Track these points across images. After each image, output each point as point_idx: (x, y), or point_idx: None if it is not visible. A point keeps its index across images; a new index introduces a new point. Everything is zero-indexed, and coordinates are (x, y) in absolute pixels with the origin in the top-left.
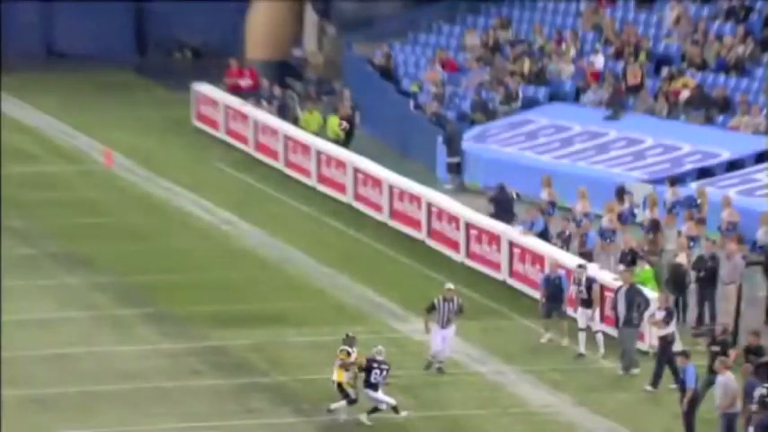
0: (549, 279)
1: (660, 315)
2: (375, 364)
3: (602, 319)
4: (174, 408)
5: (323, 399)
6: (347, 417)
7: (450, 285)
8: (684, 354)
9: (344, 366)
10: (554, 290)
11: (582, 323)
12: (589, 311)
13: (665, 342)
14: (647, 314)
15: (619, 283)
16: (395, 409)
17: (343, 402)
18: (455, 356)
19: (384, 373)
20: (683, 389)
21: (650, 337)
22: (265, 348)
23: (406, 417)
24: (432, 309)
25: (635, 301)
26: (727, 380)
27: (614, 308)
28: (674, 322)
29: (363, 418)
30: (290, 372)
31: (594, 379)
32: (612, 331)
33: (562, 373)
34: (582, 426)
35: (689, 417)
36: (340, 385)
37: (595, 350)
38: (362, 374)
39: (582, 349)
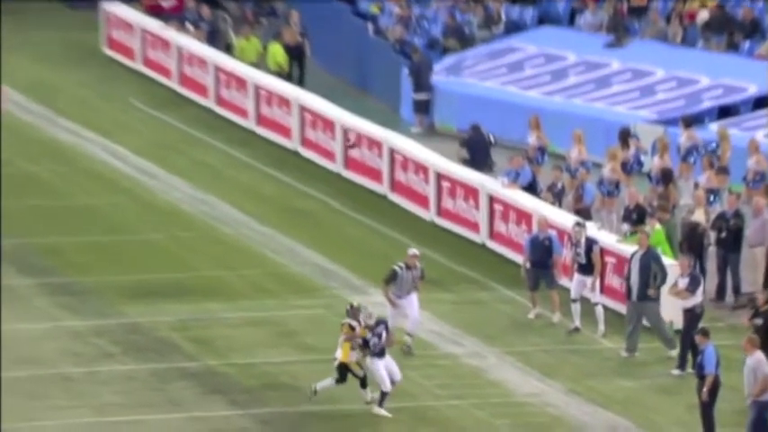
0: (535, 240)
1: (683, 283)
2: (369, 333)
3: (603, 289)
4: (81, 398)
5: (262, 387)
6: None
7: (415, 251)
8: (703, 332)
9: (351, 342)
10: (542, 253)
11: (576, 293)
12: (587, 279)
13: (692, 316)
14: (666, 284)
15: (624, 245)
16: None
17: (331, 381)
18: (425, 336)
19: (383, 334)
20: (700, 374)
21: (673, 310)
22: (192, 326)
23: (372, 399)
24: (392, 278)
25: (652, 269)
26: (758, 361)
27: (627, 277)
28: (700, 291)
29: (381, 411)
30: (223, 355)
31: (592, 363)
32: (614, 305)
33: (553, 356)
34: (575, 419)
35: (708, 408)
36: (343, 366)
37: (594, 327)
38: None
39: (576, 322)
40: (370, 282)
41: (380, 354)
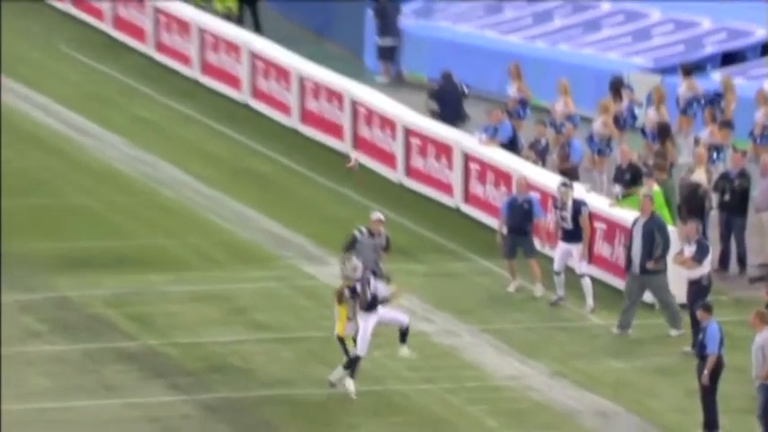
0: (514, 203)
1: (690, 251)
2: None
3: (591, 258)
4: (4, 382)
5: (208, 369)
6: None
7: (379, 215)
8: (705, 307)
9: (346, 309)
10: (520, 218)
11: (560, 264)
12: (572, 248)
13: (698, 288)
14: (670, 254)
15: (616, 210)
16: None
17: (344, 370)
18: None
19: (370, 279)
20: (701, 354)
21: (675, 282)
22: (130, 302)
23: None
24: (351, 245)
25: (656, 238)
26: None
27: (628, 247)
28: (708, 260)
29: (349, 383)
30: (164, 334)
31: (579, 341)
32: (604, 276)
33: (535, 334)
34: (560, 404)
35: (709, 392)
36: (340, 340)
37: (581, 302)
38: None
39: (560, 291)
40: (330, 251)
41: (372, 306)
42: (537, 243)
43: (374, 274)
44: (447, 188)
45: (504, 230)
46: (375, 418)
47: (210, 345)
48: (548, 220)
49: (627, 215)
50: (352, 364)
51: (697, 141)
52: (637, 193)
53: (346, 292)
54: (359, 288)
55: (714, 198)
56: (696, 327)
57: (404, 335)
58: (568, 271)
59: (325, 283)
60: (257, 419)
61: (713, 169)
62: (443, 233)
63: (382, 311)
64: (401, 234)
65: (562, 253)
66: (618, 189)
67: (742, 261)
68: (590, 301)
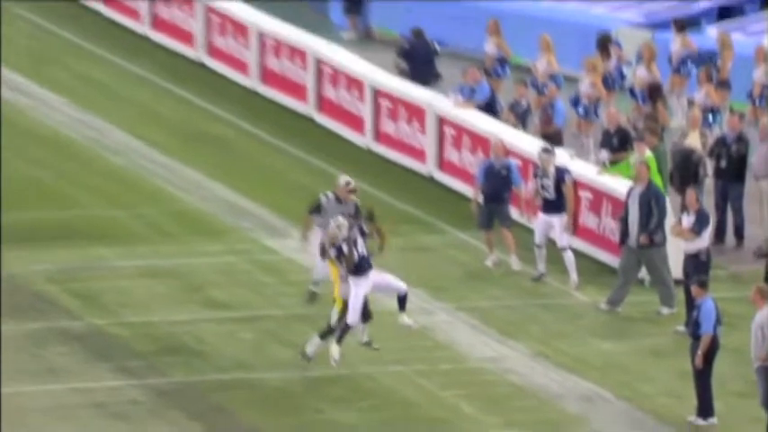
0: (491, 169)
1: (688, 221)
2: (341, 244)
3: (575, 230)
4: None
5: (160, 351)
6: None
7: (349, 180)
8: (700, 282)
9: (336, 267)
10: (497, 185)
11: (541, 236)
12: (553, 219)
13: (697, 263)
14: (667, 224)
15: (604, 178)
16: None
17: (362, 328)
18: None
19: (357, 238)
20: (695, 334)
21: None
22: (75, 278)
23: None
24: (316, 210)
25: (652, 209)
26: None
27: (623, 219)
28: (708, 232)
29: (334, 349)
30: (113, 313)
31: (563, 320)
32: (590, 249)
33: (515, 312)
34: (542, 388)
35: (703, 374)
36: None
37: (564, 277)
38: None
39: (541, 267)
40: (293, 222)
41: (361, 270)
42: (516, 214)
43: (362, 233)
44: (419, 154)
45: (480, 199)
46: (341, 403)
47: (162, 324)
48: (528, 188)
49: (615, 183)
50: (342, 333)
51: (691, 103)
52: (626, 160)
53: (331, 251)
54: (345, 248)
55: (709, 165)
56: (691, 304)
57: (402, 302)
58: (551, 244)
59: (288, 257)
60: (213, 405)
61: (708, 133)
62: (415, 203)
63: (375, 276)
64: (370, 204)
65: (543, 225)
66: (605, 155)
67: (739, 233)
68: (574, 276)
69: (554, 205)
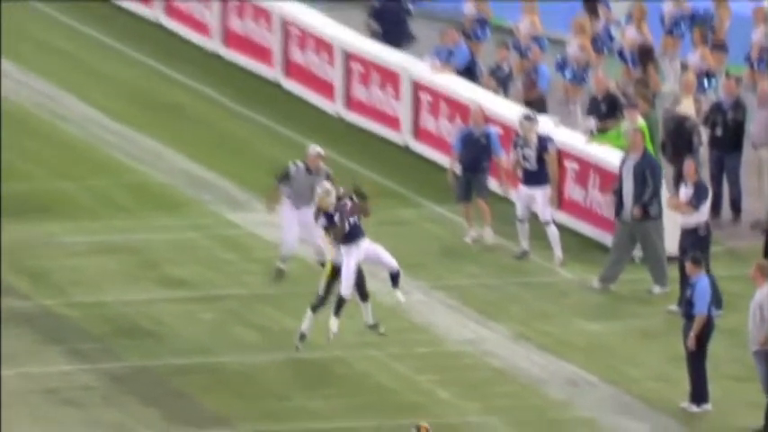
0: (469, 137)
1: (687, 194)
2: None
3: (560, 203)
4: None
5: (114, 333)
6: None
7: (319, 149)
8: (694, 259)
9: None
10: (476, 154)
11: (523, 210)
12: (536, 192)
13: (695, 239)
14: (664, 197)
15: (592, 147)
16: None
17: (365, 307)
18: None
19: (347, 206)
20: (688, 314)
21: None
22: (23, 255)
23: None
24: (285, 179)
25: (647, 180)
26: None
27: (618, 191)
28: (707, 205)
29: (333, 321)
30: (63, 292)
31: (547, 299)
32: (576, 224)
33: (496, 291)
34: (524, 372)
35: (697, 357)
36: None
37: (548, 254)
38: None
39: (524, 244)
40: (257, 194)
41: (351, 238)
42: (496, 187)
43: (352, 198)
44: (393, 122)
45: (458, 169)
46: (309, 390)
47: (117, 305)
48: (509, 158)
49: (603, 154)
50: (338, 306)
51: (684, 66)
52: (616, 128)
53: (320, 220)
54: (336, 218)
55: (704, 133)
56: (686, 283)
57: (395, 279)
58: (534, 219)
59: (251, 231)
60: (170, 391)
61: (703, 99)
62: (389, 174)
63: (367, 246)
64: (340, 175)
65: (525, 198)
66: (592, 123)
67: (736, 206)
68: (558, 252)
69: (536, 177)
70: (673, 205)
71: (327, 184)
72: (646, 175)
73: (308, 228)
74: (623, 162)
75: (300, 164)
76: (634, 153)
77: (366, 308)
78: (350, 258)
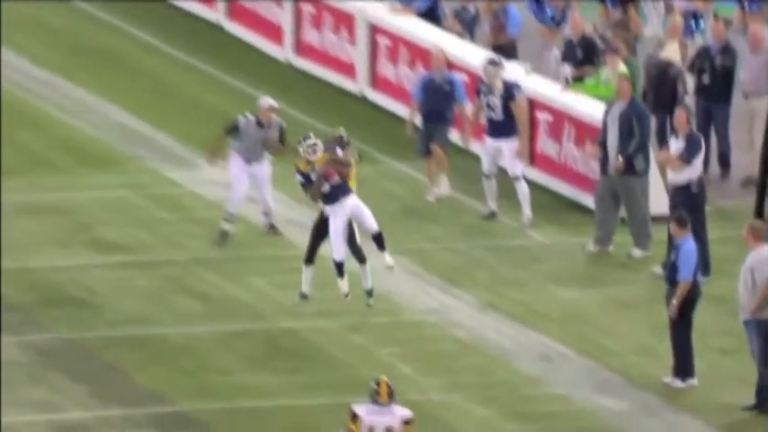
0: (430, 84)
1: (677, 147)
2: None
3: (533, 158)
4: None
5: (42, 303)
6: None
7: (271, 101)
8: (679, 220)
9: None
10: (438, 102)
11: (489, 165)
12: (502, 144)
13: (686, 197)
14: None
15: (566, 97)
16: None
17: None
18: (279, 229)
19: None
20: (672, 279)
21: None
22: None
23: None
24: (233, 130)
25: (633, 130)
26: (762, 260)
27: (602, 142)
28: (700, 160)
29: (341, 282)
30: None
31: (517, 265)
32: (549, 181)
33: (461, 255)
34: (492, 344)
35: (680, 327)
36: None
37: (517, 214)
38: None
39: (491, 204)
40: (199, 150)
41: (333, 198)
42: (460, 142)
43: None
44: (348, 69)
45: (418, 120)
46: (254, 363)
47: (44, 271)
48: (473, 108)
49: (579, 104)
50: (338, 270)
51: (669, 8)
52: (596, 75)
53: (297, 176)
54: (314, 178)
55: (690, 81)
56: (669, 244)
57: (378, 241)
58: (502, 175)
59: (192, 190)
60: (103, 365)
61: (689, 43)
62: (344, 126)
63: (352, 204)
64: (291, 128)
65: (491, 151)
66: (567, 70)
67: (725, 161)
68: (527, 210)
69: (502, 127)
70: (662, 160)
71: (314, 140)
72: (632, 124)
73: (259, 185)
74: (608, 111)
75: (251, 116)
76: (620, 101)
77: (364, 270)
78: (335, 219)
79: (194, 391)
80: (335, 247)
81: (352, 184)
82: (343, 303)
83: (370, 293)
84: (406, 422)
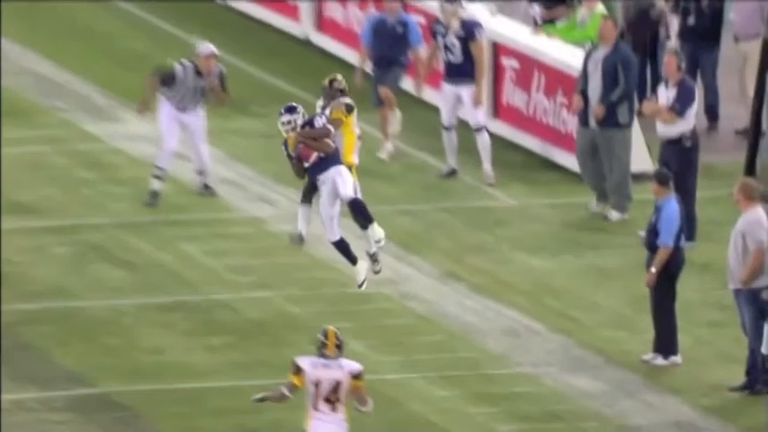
0: (382, 25)
1: (667, 97)
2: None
3: (498, 110)
4: None
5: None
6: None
7: (212, 48)
8: (661, 177)
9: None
10: (391, 45)
11: (449, 115)
12: (462, 90)
13: (679, 150)
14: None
15: (537, 41)
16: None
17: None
18: (214, 189)
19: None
20: (651, 244)
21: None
22: None
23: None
24: (169, 79)
25: (618, 77)
26: (753, 222)
27: (582, 90)
28: (693, 110)
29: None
30: None
31: (481, 229)
32: (518, 135)
33: (417, 219)
34: (454, 318)
35: (660, 297)
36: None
37: (479, 170)
38: None
39: (451, 160)
40: (125, 101)
41: (317, 171)
42: (414, 90)
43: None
44: (291, 11)
45: (368, 66)
46: (185, 338)
47: None
48: (429, 51)
49: (550, 49)
50: (340, 252)
51: None
52: (572, 17)
53: (283, 149)
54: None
55: (675, 23)
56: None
57: (360, 212)
58: (464, 128)
59: (115, 146)
60: (15, 343)
61: None
62: (287, 74)
63: (334, 172)
64: (229, 78)
65: (449, 98)
66: (537, 11)
67: (713, 111)
68: (487, 165)
69: (461, 71)
70: (650, 110)
71: (292, 116)
72: (617, 70)
73: (193, 137)
74: (588, 56)
75: (188, 64)
76: (605, 44)
77: (367, 236)
78: (321, 197)
79: (119, 371)
80: (325, 228)
81: (349, 145)
82: (285, 272)
83: (375, 258)
84: (355, 376)
